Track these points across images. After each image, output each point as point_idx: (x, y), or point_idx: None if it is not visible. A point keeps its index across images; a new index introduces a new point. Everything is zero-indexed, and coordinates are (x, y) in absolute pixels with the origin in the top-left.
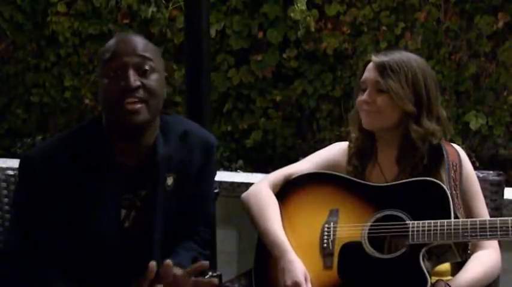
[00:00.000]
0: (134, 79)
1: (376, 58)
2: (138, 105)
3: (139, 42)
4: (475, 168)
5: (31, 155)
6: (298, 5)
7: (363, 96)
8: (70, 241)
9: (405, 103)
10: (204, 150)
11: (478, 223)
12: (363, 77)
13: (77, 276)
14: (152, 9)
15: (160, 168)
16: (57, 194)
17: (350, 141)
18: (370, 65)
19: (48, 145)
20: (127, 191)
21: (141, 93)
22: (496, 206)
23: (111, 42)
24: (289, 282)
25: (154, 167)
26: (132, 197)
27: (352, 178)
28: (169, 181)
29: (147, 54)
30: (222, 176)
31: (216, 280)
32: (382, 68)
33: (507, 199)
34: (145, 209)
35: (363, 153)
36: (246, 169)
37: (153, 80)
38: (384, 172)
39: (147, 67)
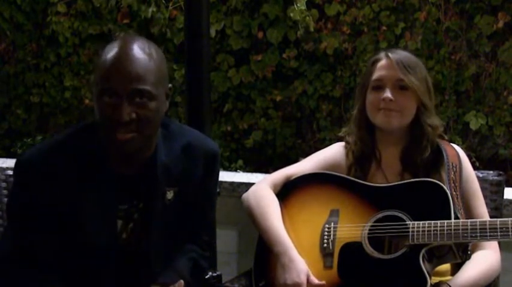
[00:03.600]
0: (128, 112)
1: (393, 56)
2: (130, 135)
3: (138, 65)
4: (475, 168)
5: (25, 159)
6: (298, 5)
7: (385, 94)
8: (64, 248)
9: (426, 98)
10: (207, 161)
11: (478, 223)
12: (378, 75)
13: (72, 284)
14: (152, 9)
15: (159, 179)
16: (52, 200)
17: (347, 143)
18: (385, 62)
19: (43, 149)
20: (123, 201)
21: (134, 125)
22: (496, 206)
23: (109, 56)
24: (289, 281)
25: (153, 178)
26: (128, 207)
27: (352, 178)
28: (170, 195)
29: (145, 83)
30: (222, 176)
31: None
32: (402, 66)
33: (507, 199)
34: (143, 222)
35: (364, 157)
36: (246, 169)
37: (150, 109)
38: (386, 172)
39: (144, 97)
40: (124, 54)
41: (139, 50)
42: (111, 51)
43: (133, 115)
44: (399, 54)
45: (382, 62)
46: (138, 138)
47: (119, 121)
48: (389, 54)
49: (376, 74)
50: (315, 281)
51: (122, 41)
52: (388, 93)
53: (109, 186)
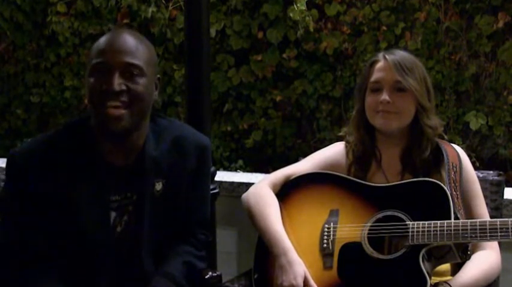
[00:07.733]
0: (118, 83)
1: (390, 57)
2: (121, 111)
3: (130, 43)
4: (475, 168)
5: (16, 153)
6: (298, 5)
7: (383, 97)
8: (59, 242)
9: (425, 100)
10: (198, 155)
11: (478, 223)
12: (376, 77)
13: (65, 277)
14: (152, 9)
15: (147, 170)
16: (45, 192)
17: (347, 143)
18: (383, 64)
19: (34, 143)
20: (115, 192)
21: (124, 97)
22: (496, 206)
23: (102, 39)
24: (285, 283)
25: (142, 170)
26: (121, 199)
27: (352, 178)
28: (158, 186)
29: (136, 58)
30: (222, 176)
31: None
32: (400, 67)
33: (507, 199)
34: (137, 215)
35: (364, 157)
36: (246, 169)
37: (140, 84)
38: (386, 172)
39: (134, 71)
40: (117, 34)
41: (131, 34)
42: (105, 36)
43: (124, 87)
44: (397, 55)
45: (380, 64)
46: (128, 116)
47: (108, 91)
48: (387, 56)
49: (374, 76)
50: (313, 284)
51: (115, 28)
52: (385, 96)
53: (100, 176)
